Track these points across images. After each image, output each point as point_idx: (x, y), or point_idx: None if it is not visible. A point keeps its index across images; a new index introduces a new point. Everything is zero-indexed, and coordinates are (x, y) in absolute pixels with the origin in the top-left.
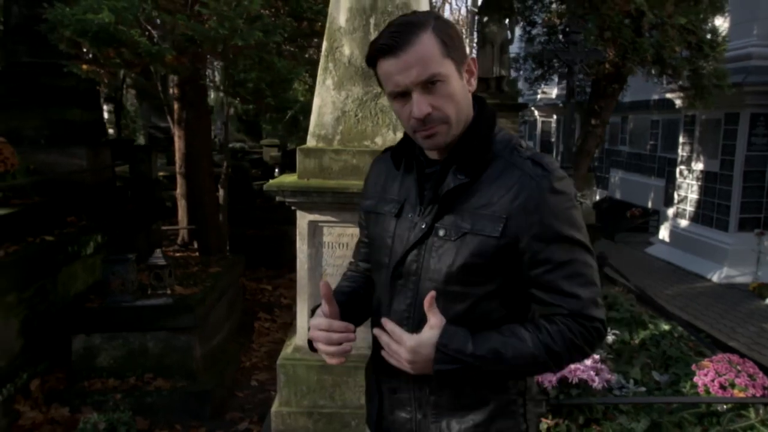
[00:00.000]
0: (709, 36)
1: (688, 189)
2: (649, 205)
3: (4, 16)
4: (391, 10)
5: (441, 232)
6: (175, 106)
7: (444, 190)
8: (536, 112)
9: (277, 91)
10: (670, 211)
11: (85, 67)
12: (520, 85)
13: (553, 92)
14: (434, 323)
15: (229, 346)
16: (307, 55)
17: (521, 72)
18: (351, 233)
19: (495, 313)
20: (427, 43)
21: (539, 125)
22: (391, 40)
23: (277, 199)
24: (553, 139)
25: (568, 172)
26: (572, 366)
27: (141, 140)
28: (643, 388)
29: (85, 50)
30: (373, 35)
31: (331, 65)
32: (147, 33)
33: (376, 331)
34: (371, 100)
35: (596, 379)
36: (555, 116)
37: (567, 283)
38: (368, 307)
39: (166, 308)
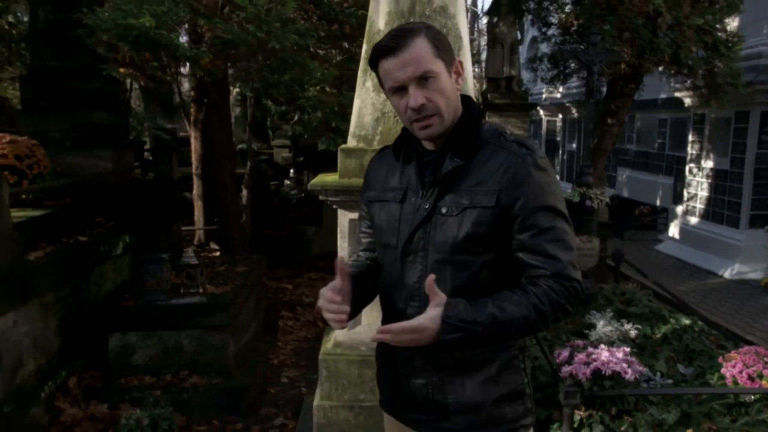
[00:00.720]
0: (724, 36)
1: (698, 187)
2: (657, 203)
3: (31, 20)
4: (428, 13)
5: (443, 210)
6: (192, 107)
7: (443, 172)
8: (541, 112)
9: (306, 92)
10: (679, 209)
11: (122, 70)
12: (531, 84)
13: (558, 92)
14: (437, 302)
15: (257, 344)
16: (337, 58)
17: (537, 72)
18: None
19: (493, 280)
20: (421, 45)
21: (544, 124)
22: (391, 42)
23: (320, 197)
24: (558, 138)
25: (587, 170)
26: (604, 358)
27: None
28: (670, 381)
29: (120, 54)
30: None
31: (370, 67)
32: (187, 37)
33: (376, 337)
34: None
35: (629, 371)
36: (560, 115)
37: (550, 247)
38: (372, 288)
39: (200, 307)
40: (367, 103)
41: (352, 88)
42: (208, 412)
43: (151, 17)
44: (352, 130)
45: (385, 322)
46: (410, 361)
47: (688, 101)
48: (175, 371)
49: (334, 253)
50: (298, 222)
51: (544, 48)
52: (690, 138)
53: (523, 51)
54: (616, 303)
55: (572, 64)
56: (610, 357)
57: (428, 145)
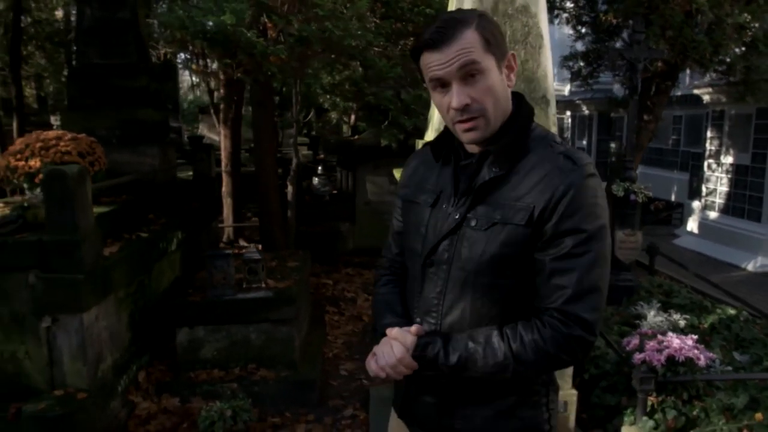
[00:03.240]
0: (761, 33)
1: (717, 182)
2: (672, 198)
3: (77, 18)
4: (511, 12)
5: (473, 223)
6: (222, 105)
7: (479, 182)
8: None
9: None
10: (696, 204)
11: (194, 67)
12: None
13: (566, 89)
14: (415, 331)
15: (310, 338)
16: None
17: (572, 69)
18: None
19: (518, 309)
20: (469, 38)
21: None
22: (436, 35)
23: None
24: (567, 135)
25: (630, 165)
26: (676, 345)
27: None
28: (729, 368)
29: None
30: None
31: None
32: (262, 35)
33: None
34: None
35: (701, 357)
36: (569, 112)
37: (565, 275)
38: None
39: (268, 301)
40: None
41: (411, 86)
42: (280, 405)
43: (231, 15)
44: (435, 125)
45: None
46: (422, 378)
47: (707, 98)
48: (243, 365)
49: (368, 249)
50: (332, 218)
51: (579, 46)
52: (708, 134)
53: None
54: (656, 295)
55: (606, 62)
56: (681, 344)
57: (471, 148)
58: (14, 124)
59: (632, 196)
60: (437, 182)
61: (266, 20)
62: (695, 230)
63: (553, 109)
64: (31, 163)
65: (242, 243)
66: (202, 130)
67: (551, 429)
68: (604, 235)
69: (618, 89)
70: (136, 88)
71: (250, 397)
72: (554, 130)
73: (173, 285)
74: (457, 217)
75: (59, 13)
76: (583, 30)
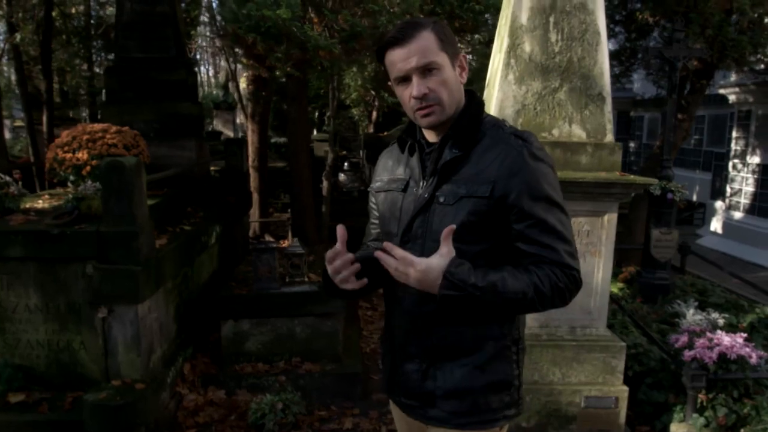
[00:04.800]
0: None
1: (743, 182)
2: (694, 198)
3: (117, 12)
4: (569, 9)
5: (441, 199)
6: (249, 101)
7: (441, 162)
8: None
9: None
10: (719, 204)
11: (245, 60)
12: None
13: None
14: (445, 252)
15: (349, 333)
16: None
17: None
18: None
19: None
20: (426, 38)
21: None
22: (398, 34)
23: None
24: None
25: (668, 164)
26: (727, 343)
27: None
28: None
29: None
30: (552, 33)
31: (512, 61)
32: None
33: (378, 254)
34: (549, 94)
35: (753, 355)
36: None
37: (547, 237)
38: (381, 276)
39: (313, 295)
40: (508, 95)
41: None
42: (325, 398)
43: (286, 9)
44: None
45: (386, 308)
46: (405, 347)
47: (732, 98)
48: (288, 358)
49: None
50: (358, 214)
51: (611, 45)
52: (734, 134)
53: None
54: (690, 294)
55: (639, 60)
56: (732, 342)
57: (432, 138)
58: (44, 118)
59: (669, 195)
60: (405, 171)
61: (312, 15)
62: (719, 230)
63: (608, 106)
64: (79, 155)
65: (268, 238)
66: (217, 125)
67: (520, 384)
68: (561, 198)
69: (638, 88)
70: (174, 82)
71: (297, 390)
72: (610, 127)
73: (212, 278)
74: (426, 196)
75: (80, 8)
76: (616, 29)
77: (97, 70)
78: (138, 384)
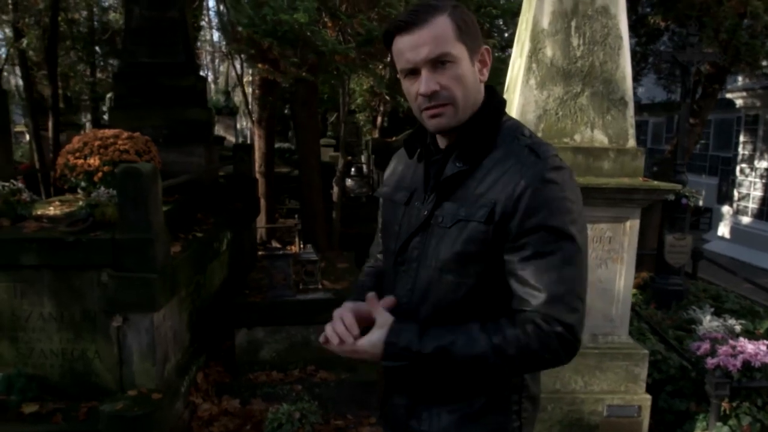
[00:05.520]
0: None
1: (751, 186)
2: (700, 203)
3: (125, 17)
4: (590, 13)
5: (439, 219)
6: (256, 106)
7: (443, 177)
8: None
9: None
10: (726, 208)
11: (260, 65)
12: None
13: None
14: (381, 322)
15: None
16: None
17: None
18: None
19: (482, 308)
20: (441, 24)
21: None
22: (408, 17)
23: None
24: None
25: (681, 169)
26: (751, 350)
27: None
28: None
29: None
30: (574, 37)
31: (534, 65)
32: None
33: (323, 337)
34: (571, 99)
35: None
36: None
37: (539, 276)
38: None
39: (329, 302)
40: (530, 100)
41: None
42: (341, 407)
43: (304, 13)
44: None
45: None
46: (393, 378)
47: (740, 102)
48: (302, 366)
49: None
50: (366, 220)
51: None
52: (741, 139)
53: None
54: (703, 299)
55: (650, 64)
56: (756, 349)
57: (441, 142)
58: (49, 124)
59: (683, 200)
60: (412, 179)
61: (326, 19)
62: (727, 235)
63: (631, 110)
64: (90, 161)
65: (275, 244)
66: (218, 130)
67: None
68: (576, 231)
69: (641, 92)
70: (183, 88)
71: (312, 399)
72: (632, 131)
73: (223, 285)
74: (425, 213)
75: (83, 14)
76: None
77: (99, 75)
78: (154, 394)
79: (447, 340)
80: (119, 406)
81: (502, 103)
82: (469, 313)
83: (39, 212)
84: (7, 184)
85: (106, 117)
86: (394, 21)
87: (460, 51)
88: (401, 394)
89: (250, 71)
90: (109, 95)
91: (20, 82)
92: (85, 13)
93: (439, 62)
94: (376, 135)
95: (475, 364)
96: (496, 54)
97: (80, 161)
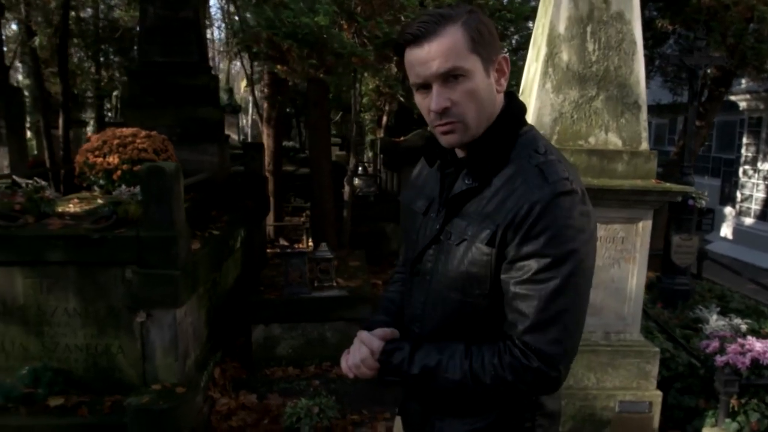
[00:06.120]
0: None
1: (754, 188)
2: (703, 204)
3: (140, 17)
4: (606, 19)
5: (449, 236)
6: (265, 105)
7: (452, 194)
8: None
9: None
10: (728, 210)
11: (279, 67)
12: None
13: None
14: (381, 336)
15: None
16: None
17: None
18: None
19: (489, 325)
20: (453, 36)
21: None
22: (417, 29)
23: None
24: None
25: (688, 171)
26: (759, 348)
27: None
28: None
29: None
30: (589, 42)
31: (550, 70)
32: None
33: (344, 365)
34: (586, 102)
35: None
36: None
37: (527, 303)
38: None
39: (344, 299)
40: (546, 103)
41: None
42: (357, 403)
43: (324, 16)
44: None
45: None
46: (410, 386)
47: (743, 105)
48: (318, 362)
49: None
50: (376, 219)
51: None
52: (744, 140)
53: None
54: (709, 299)
55: (656, 67)
56: (764, 347)
57: (458, 152)
58: (59, 121)
59: (690, 202)
60: (431, 189)
61: (342, 21)
62: (729, 236)
63: (644, 114)
64: (110, 159)
65: (283, 242)
66: None
67: None
68: (576, 261)
69: (647, 95)
70: (196, 87)
71: (329, 394)
72: (645, 135)
73: (236, 283)
74: (437, 227)
75: (88, 12)
76: None
77: (104, 73)
78: (178, 388)
79: (433, 362)
80: (145, 399)
81: (522, 111)
82: (475, 330)
83: (60, 209)
84: (30, 181)
85: (110, 114)
86: (403, 33)
87: (473, 63)
88: (415, 401)
89: (261, 69)
90: (114, 93)
91: (22, 79)
92: (90, 11)
93: (451, 76)
94: (381, 134)
95: (456, 389)
96: (512, 58)
97: (99, 159)
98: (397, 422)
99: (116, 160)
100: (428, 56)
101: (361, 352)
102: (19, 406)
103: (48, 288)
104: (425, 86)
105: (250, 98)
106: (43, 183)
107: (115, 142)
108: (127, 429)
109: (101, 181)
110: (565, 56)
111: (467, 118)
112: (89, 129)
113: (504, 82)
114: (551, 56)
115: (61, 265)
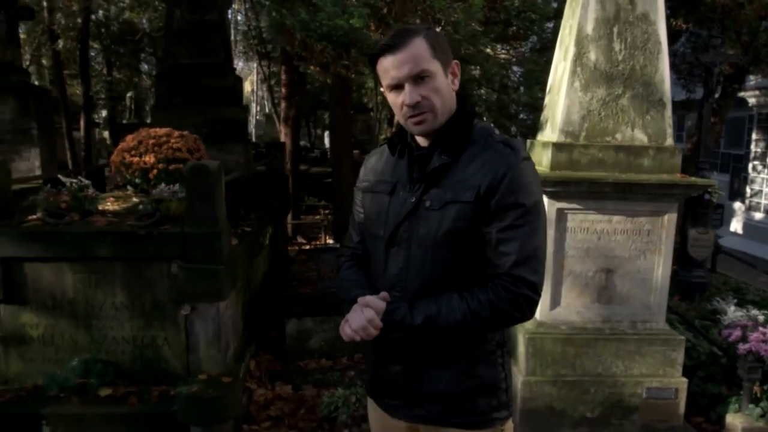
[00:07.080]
0: None
1: (763, 183)
2: (716, 198)
3: (166, 20)
4: (632, 20)
5: (427, 204)
6: (282, 104)
7: (430, 168)
8: None
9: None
10: (738, 205)
11: (312, 67)
12: None
13: None
14: (379, 307)
15: None
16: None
17: None
18: (591, 219)
19: (470, 277)
20: (419, 45)
21: None
22: (391, 41)
23: None
24: None
25: (704, 166)
26: None
27: None
28: None
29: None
30: (616, 42)
31: (578, 69)
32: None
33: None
34: (612, 100)
35: None
36: None
37: (509, 244)
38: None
39: None
40: (574, 101)
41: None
42: None
43: (358, 18)
44: (560, 126)
45: None
46: (390, 348)
47: (753, 101)
48: (350, 354)
49: None
50: None
51: None
52: (754, 136)
53: None
54: (724, 292)
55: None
56: None
57: (422, 142)
58: (81, 123)
59: (706, 196)
60: (393, 173)
61: (371, 23)
62: (739, 231)
63: (668, 111)
64: (146, 159)
65: (300, 240)
66: None
67: (507, 387)
68: (540, 209)
69: None
70: (223, 88)
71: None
72: (670, 131)
73: (264, 278)
74: (413, 200)
75: (101, 13)
76: None
77: (116, 74)
78: (224, 377)
79: (433, 311)
80: (194, 389)
81: (473, 109)
82: (455, 283)
83: (101, 207)
84: (75, 180)
85: (126, 115)
86: (380, 45)
87: (435, 67)
88: (398, 362)
89: (276, 71)
90: (129, 94)
91: (35, 82)
92: (102, 12)
93: (419, 77)
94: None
95: (458, 328)
96: (532, 57)
97: (136, 159)
98: (371, 404)
99: (152, 160)
100: (401, 62)
101: (366, 314)
102: (72, 396)
103: (96, 283)
104: (398, 87)
105: (253, 98)
106: (87, 182)
107: (151, 141)
108: (177, 417)
109: (137, 180)
110: (592, 56)
111: (435, 108)
112: (105, 132)
113: (457, 82)
114: (579, 56)
115: (108, 260)
